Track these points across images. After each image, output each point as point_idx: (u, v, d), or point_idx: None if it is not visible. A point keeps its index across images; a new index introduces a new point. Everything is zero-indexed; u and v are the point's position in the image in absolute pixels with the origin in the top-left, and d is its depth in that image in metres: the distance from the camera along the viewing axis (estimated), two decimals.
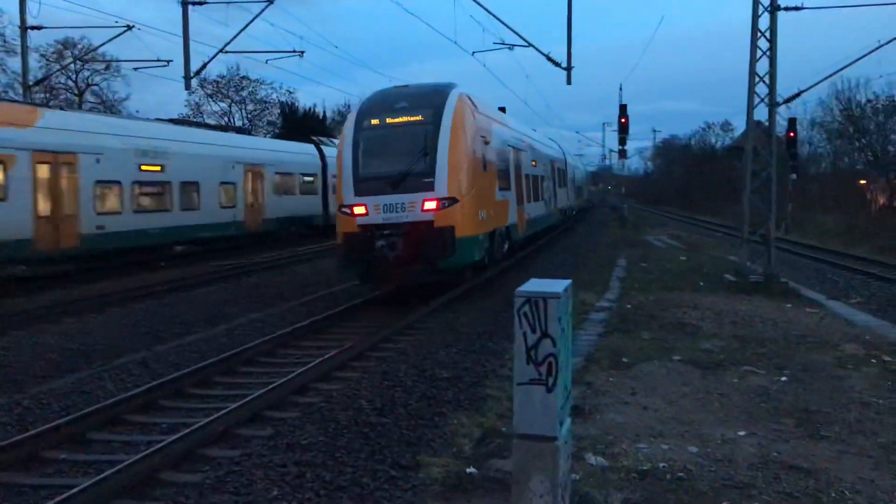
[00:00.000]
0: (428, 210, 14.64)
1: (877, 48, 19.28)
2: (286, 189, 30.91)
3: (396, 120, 15.50)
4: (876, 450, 6.73)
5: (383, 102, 15.95)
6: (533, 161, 25.18)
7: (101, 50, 38.55)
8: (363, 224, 14.75)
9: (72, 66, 49.93)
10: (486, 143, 17.06)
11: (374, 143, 15.28)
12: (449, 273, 15.31)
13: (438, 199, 14.73)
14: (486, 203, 16.68)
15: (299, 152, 32.91)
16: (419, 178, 14.75)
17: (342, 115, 71.41)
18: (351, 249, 14.86)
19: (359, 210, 14.83)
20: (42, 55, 46.05)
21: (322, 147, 35.23)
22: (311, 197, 32.98)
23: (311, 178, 33.07)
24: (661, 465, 6.32)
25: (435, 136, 14.93)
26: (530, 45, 24.19)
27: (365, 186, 14.88)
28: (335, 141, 33.38)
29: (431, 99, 15.65)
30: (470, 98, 16.46)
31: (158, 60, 28.14)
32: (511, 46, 25.27)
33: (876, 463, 6.42)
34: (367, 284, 16.13)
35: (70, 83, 51.84)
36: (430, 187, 14.72)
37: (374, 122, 15.54)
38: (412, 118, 15.39)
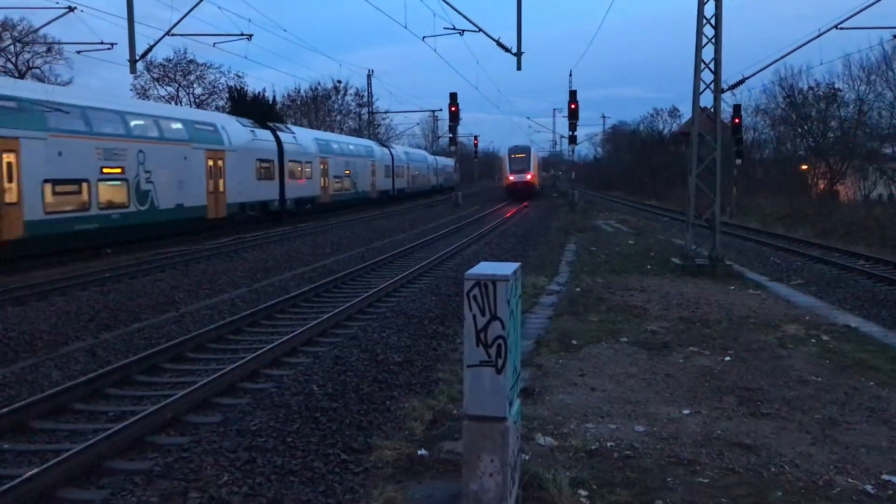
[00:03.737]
0: (529, 178, 62.31)
1: (816, 36, 19.81)
2: (382, 174, 52.68)
3: (518, 155, 63.03)
4: (814, 425, 6.97)
5: (514, 149, 64.01)
6: (540, 161, 79.21)
7: (42, 32, 37.47)
8: (512, 181, 61.45)
9: (11, 48, 48.45)
10: (537, 159, 72.24)
11: (513, 162, 62.35)
12: (533, 194, 63.75)
13: (531, 174, 62.87)
14: (540, 176, 77.85)
15: (385, 152, 54.95)
16: (526, 170, 62.25)
17: (292, 100, 71.85)
18: (509, 188, 61.81)
19: (511, 178, 61.66)
20: None
21: (392, 150, 58.26)
22: (388, 178, 55.28)
23: (389, 167, 55.47)
24: (609, 444, 6.45)
25: (528, 161, 63.19)
26: (480, 30, 24.28)
27: (512, 171, 61.91)
28: (390, 145, 61.68)
29: (527, 149, 65.13)
30: (536, 152, 72.79)
31: (102, 43, 27.54)
32: (461, 31, 25.35)
33: (814, 438, 6.65)
34: (511, 198, 58.58)
35: (10, 66, 50.22)
36: (529, 172, 62.35)
37: (513, 155, 63.00)
38: (522, 155, 63.28)
